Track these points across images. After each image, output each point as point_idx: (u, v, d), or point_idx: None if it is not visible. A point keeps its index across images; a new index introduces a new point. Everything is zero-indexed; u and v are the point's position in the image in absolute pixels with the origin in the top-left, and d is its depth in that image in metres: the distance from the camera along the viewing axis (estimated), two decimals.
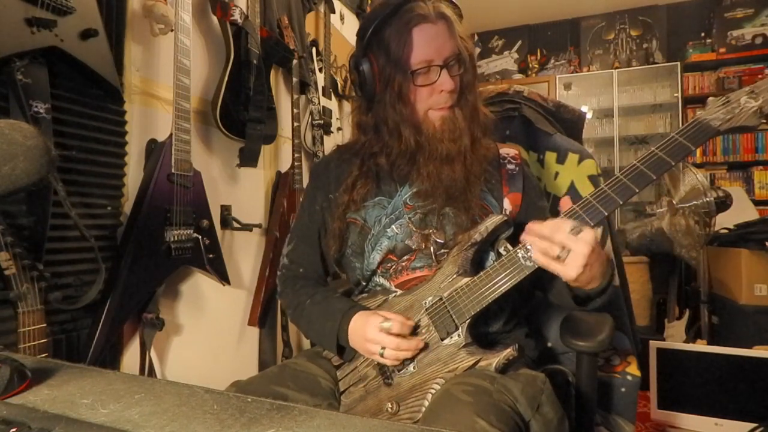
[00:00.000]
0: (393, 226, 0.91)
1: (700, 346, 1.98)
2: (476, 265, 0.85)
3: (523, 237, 0.76)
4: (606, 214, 0.73)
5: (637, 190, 0.72)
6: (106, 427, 0.41)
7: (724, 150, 4.10)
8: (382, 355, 0.79)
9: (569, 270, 0.71)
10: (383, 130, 0.92)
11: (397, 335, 0.79)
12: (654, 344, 1.95)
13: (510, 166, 0.96)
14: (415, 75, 0.87)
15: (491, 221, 0.83)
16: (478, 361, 0.76)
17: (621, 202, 0.72)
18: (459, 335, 0.78)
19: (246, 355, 1.86)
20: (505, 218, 0.84)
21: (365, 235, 0.92)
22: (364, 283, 0.94)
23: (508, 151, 0.99)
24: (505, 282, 0.77)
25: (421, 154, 0.89)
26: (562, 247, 0.71)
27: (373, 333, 0.79)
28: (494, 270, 0.78)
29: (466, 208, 0.88)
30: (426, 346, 0.80)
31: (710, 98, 0.75)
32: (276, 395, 0.78)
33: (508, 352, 0.75)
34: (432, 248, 0.88)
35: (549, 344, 1.13)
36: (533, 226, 0.74)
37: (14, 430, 0.38)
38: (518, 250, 0.77)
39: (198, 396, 0.48)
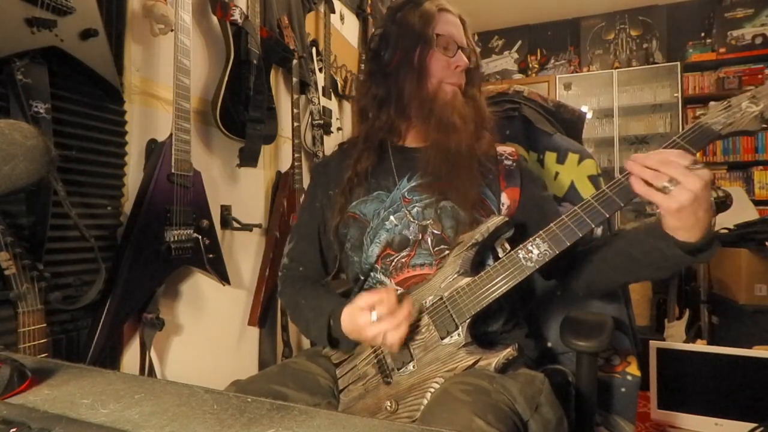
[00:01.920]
0: (392, 218, 0.92)
1: (700, 346, 1.98)
2: (477, 265, 0.85)
3: (628, 164, 0.71)
4: (607, 216, 0.73)
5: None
6: (106, 427, 0.41)
7: (724, 150, 4.10)
8: (384, 345, 0.79)
9: (671, 202, 0.67)
10: (391, 106, 0.96)
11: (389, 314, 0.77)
12: (654, 344, 1.95)
13: (507, 162, 0.98)
14: (438, 38, 0.94)
15: (492, 222, 0.83)
16: (477, 361, 0.76)
17: (622, 205, 0.72)
18: (459, 335, 0.78)
19: (246, 355, 1.86)
20: (506, 219, 0.84)
21: (364, 229, 0.94)
22: (362, 278, 0.94)
23: (505, 149, 1.02)
24: (505, 282, 0.77)
25: (433, 121, 0.93)
26: (670, 179, 0.67)
27: (372, 330, 0.78)
28: (495, 270, 0.78)
29: (465, 196, 0.89)
30: (435, 354, 0.79)
31: (711, 102, 0.75)
32: (275, 394, 0.78)
33: (508, 351, 0.75)
34: (429, 240, 0.89)
35: (549, 344, 1.13)
36: (638, 158, 0.70)
37: (14, 430, 0.38)
38: (519, 251, 0.78)
39: (198, 396, 0.48)
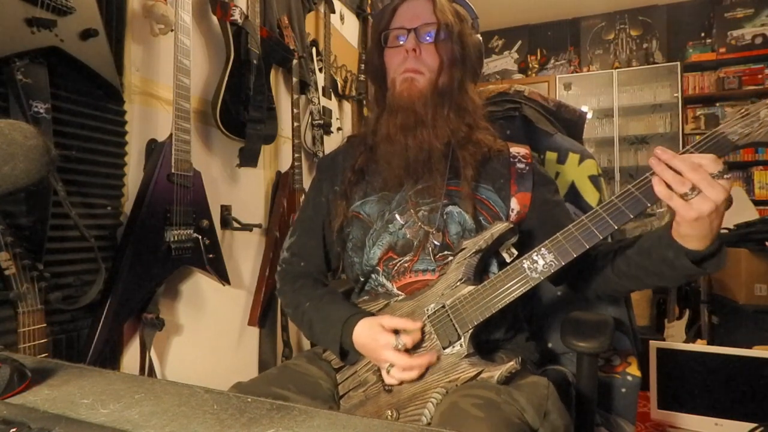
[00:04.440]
0: (397, 220, 0.90)
1: (700, 346, 1.98)
2: (481, 271, 0.84)
3: (652, 162, 0.67)
4: (616, 227, 0.71)
5: (648, 204, 0.70)
6: (106, 427, 0.41)
7: None
8: (387, 372, 0.78)
9: (690, 211, 0.64)
10: (381, 108, 0.96)
11: (408, 352, 0.78)
12: (654, 344, 1.95)
13: (520, 165, 0.94)
14: (384, 36, 0.93)
15: (496, 229, 0.81)
16: (479, 373, 0.74)
17: (632, 216, 0.70)
18: (461, 345, 0.77)
19: (246, 355, 1.86)
20: (511, 226, 0.81)
21: (367, 230, 0.92)
22: (362, 279, 0.93)
23: (518, 150, 0.97)
24: (509, 293, 0.75)
25: (398, 118, 0.90)
26: (693, 187, 0.64)
27: (388, 355, 0.77)
28: (498, 280, 0.76)
29: (433, 189, 0.88)
30: (437, 364, 0.78)
31: (729, 109, 0.73)
32: (276, 397, 0.77)
33: (511, 365, 0.73)
34: (433, 245, 0.87)
35: (549, 345, 1.13)
36: (665, 154, 0.66)
37: (14, 430, 0.38)
38: (524, 261, 0.75)
39: (198, 396, 0.48)
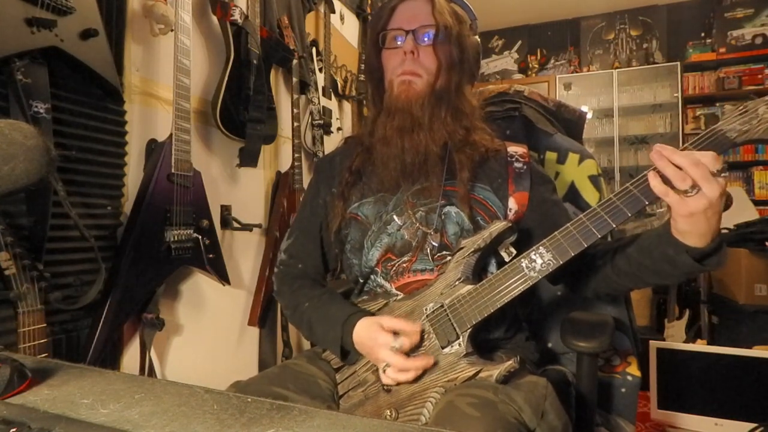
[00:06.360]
0: (395, 221, 0.90)
1: (700, 346, 1.98)
2: (479, 271, 0.84)
3: (653, 156, 0.67)
4: (614, 226, 0.71)
5: (646, 202, 0.70)
6: (106, 427, 0.41)
7: None
8: (384, 371, 0.78)
9: (685, 206, 0.65)
10: (378, 110, 0.96)
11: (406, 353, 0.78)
12: (654, 344, 1.95)
13: (518, 165, 0.94)
14: (381, 37, 0.92)
15: (495, 228, 0.81)
16: (478, 372, 0.74)
17: (630, 215, 0.70)
18: (460, 344, 0.77)
19: (246, 355, 1.86)
20: (509, 225, 0.81)
21: (365, 231, 0.92)
22: (362, 281, 0.93)
23: (516, 149, 0.96)
24: (507, 292, 0.75)
25: (396, 120, 0.89)
26: (693, 185, 0.64)
27: (384, 354, 0.77)
28: (497, 279, 0.76)
29: (430, 190, 0.88)
30: (436, 364, 0.78)
31: (727, 106, 0.73)
32: (275, 396, 0.77)
33: (510, 364, 0.73)
34: (432, 245, 0.87)
35: (549, 345, 1.13)
36: (666, 150, 0.66)
37: (14, 430, 0.38)
38: (522, 260, 0.75)
39: (198, 396, 0.48)
